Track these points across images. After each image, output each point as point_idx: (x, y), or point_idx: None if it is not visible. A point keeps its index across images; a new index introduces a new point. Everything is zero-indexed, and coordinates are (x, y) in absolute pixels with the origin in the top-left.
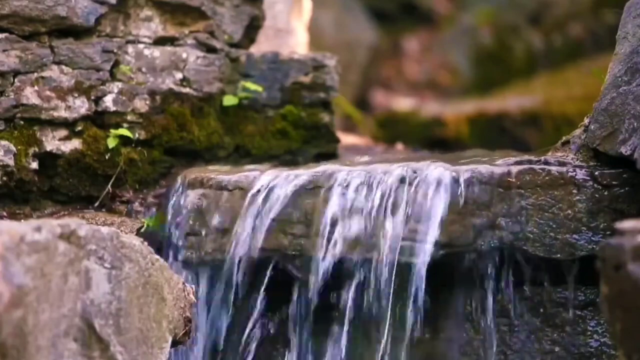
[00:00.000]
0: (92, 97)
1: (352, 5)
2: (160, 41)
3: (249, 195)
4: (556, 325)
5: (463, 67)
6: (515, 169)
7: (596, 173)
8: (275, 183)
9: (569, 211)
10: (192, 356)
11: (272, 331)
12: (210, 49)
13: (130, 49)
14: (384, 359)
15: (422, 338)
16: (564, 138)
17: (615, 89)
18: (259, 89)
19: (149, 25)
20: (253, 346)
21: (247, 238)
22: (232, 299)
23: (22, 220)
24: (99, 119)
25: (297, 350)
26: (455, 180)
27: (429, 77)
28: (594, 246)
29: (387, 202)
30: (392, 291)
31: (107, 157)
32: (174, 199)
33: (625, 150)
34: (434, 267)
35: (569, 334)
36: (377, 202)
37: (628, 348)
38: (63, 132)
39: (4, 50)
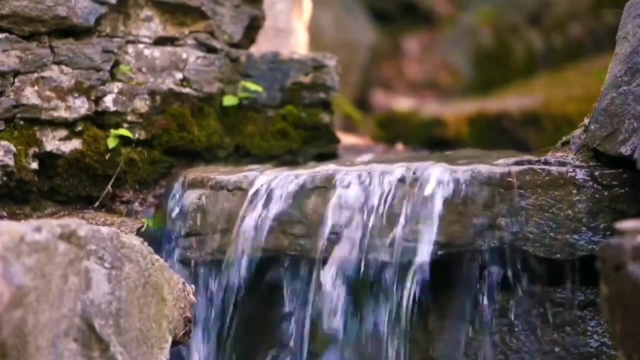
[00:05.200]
0: (92, 97)
1: (352, 5)
2: (160, 41)
3: (249, 195)
4: (556, 325)
5: (463, 67)
6: (515, 169)
7: (596, 173)
8: (275, 183)
9: (569, 211)
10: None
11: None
12: (210, 49)
13: (130, 49)
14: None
15: (422, 338)
16: (564, 138)
17: (615, 89)
18: (259, 89)
19: (149, 25)
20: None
21: (247, 238)
22: (232, 299)
23: (22, 220)
24: (99, 119)
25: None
26: (456, 180)
27: (429, 77)
28: (594, 246)
29: (387, 202)
30: (392, 291)
31: (107, 157)
32: (174, 199)
33: (625, 150)
34: (434, 267)
35: (569, 334)
36: (377, 202)
37: (628, 348)
38: (63, 132)
39: (4, 50)
